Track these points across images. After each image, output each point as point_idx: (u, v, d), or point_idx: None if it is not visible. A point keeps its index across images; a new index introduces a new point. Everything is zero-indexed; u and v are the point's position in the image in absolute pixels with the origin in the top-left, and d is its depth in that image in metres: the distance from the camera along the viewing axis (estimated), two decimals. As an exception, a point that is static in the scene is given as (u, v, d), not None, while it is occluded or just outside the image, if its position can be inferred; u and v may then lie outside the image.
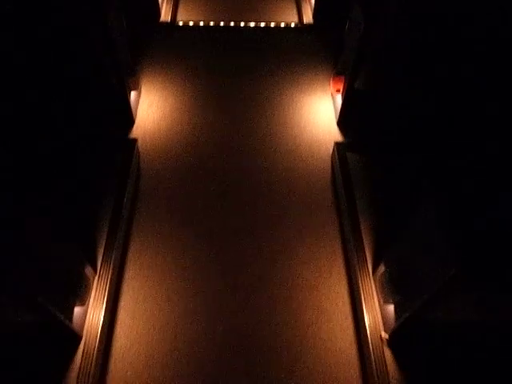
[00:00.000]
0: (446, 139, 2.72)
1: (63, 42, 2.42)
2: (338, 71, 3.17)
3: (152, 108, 3.15)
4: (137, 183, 2.73)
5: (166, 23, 3.81)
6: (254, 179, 2.79)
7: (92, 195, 2.55)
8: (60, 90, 2.64)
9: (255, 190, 2.74)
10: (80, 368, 1.98)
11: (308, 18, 3.88)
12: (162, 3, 3.92)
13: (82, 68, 2.61)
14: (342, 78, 3.01)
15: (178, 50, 3.56)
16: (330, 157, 2.91)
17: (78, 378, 1.96)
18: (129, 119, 2.97)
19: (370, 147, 2.88)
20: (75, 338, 2.04)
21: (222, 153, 2.92)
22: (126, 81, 2.81)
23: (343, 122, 3.06)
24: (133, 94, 3.05)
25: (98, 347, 2.04)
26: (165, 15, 3.86)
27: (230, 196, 2.71)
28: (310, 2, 3.97)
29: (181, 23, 3.84)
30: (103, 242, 2.36)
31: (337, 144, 2.85)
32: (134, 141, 2.81)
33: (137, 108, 3.11)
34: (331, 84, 3.16)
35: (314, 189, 2.76)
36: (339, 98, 3.08)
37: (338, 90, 3.08)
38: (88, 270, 2.16)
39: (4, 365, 1.97)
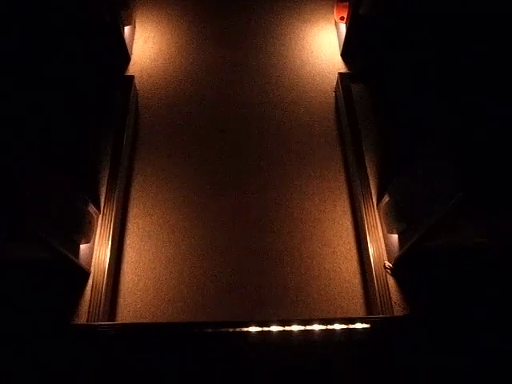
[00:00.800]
0: (455, 70, 2.61)
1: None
2: (342, -3, 2.98)
3: (148, 44, 3.02)
4: (136, 121, 2.68)
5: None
6: (256, 114, 2.72)
7: (91, 134, 2.51)
8: (49, 25, 2.52)
9: (257, 125, 2.67)
10: (90, 302, 2.03)
11: None
12: None
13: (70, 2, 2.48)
14: (346, 4, 2.83)
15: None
16: (333, 89, 2.81)
17: (88, 311, 2.02)
18: (124, 55, 2.85)
19: (376, 77, 2.76)
20: (83, 273, 2.08)
21: (221, 87, 2.83)
22: (119, 15, 2.67)
23: (347, 52, 2.91)
24: (127, 29, 2.91)
25: (107, 282, 2.09)
26: None
27: (231, 131, 2.65)
28: None
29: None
30: (105, 181, 2.35)
31: (341, 75, 2.73)
32: (131, 78, 2.72)
33: (132, 44, 2.98)
34: (335, 11, 2.98)
35: (317, 122, 2.69)
36: (343, 27, 2.92)
37: (341, 18, 2.91)
38: (91, 209, 2.17)
39: (16, 301, 2.02)
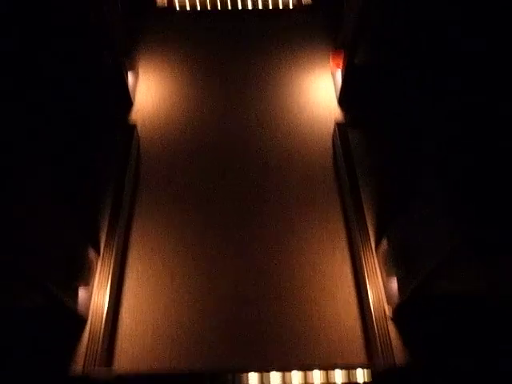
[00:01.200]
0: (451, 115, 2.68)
1: (58, 23, 2.40)
2: (337, 46, 3.12)
3: (150, 91, 3.13)
4: (137, 167, 2.73)
5: (163, 7, 3.77)
6: (255, 160, 2.78)
7: (93, 180, 2.55)
8: (54, 71, 2.62)
9: (256, 172, 2.73)
10: (87, 347, 2.01)
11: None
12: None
13: (76, 48, 2.58)
14: (342, 52, 2.96)
15: (175, 33, 3.51)
16: (331, 136, 2.89)
17: (85, 357, 1.99)
18: (127, 101, 2.95)
19: (372, 125, 2.85)
20: (81, 319, 2.06)
21: (221, 134, 2.91)
22: (123, 62, 2.78)
23: (344, 99, 3.01)
24: (130, 76, 3.02)
25: (104, 327, 2.07)
26: (161, -1, 3.82)
27: (230, 178, 2.71)
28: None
29: (178, 7, 3.79)
30: (105, 226, 2.37)
31: (338, 125, 2.81)
32: (133, 126, 2.79)
33: (135, 91, 3.08)
34: (331, 59, 3.11)
35: (315, 168, 2.74)
36: (339, 75, 3.03)
37: (337, 65, 3.04)
38: (91, 253, 2.18)
39: (13, 346, 1.99)
